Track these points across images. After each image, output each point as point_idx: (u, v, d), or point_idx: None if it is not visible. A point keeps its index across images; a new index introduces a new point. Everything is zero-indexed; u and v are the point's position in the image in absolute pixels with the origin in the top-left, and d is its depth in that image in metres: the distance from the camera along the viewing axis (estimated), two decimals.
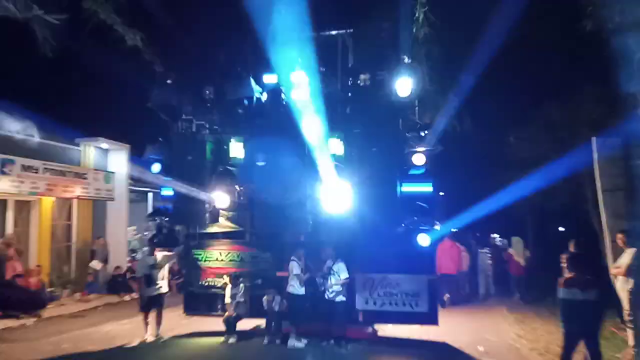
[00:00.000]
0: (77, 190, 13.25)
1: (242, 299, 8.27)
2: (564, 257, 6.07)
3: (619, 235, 7.11)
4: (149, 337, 8.24)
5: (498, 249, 14.99)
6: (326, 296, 7.72)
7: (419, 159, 7.73)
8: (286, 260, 8.02)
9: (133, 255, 16.52)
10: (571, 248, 6.57)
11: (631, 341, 6.87)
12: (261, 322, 8.50)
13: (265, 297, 8.05)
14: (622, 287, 6.86)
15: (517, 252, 13.58)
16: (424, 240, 7.63)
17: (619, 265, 6.99)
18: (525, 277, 13.17)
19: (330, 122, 8.40)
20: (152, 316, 8.33)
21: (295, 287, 7.75)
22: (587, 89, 12.30)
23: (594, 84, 11.91)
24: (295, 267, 7.80)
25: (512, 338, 8.53)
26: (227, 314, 8.22)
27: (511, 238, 14.53)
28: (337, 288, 7.66)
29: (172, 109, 8.71)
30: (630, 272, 6.73)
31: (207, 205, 8.54)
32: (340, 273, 7.66)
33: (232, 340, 8.08)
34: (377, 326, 8.86)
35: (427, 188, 8.03)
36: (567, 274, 5.78)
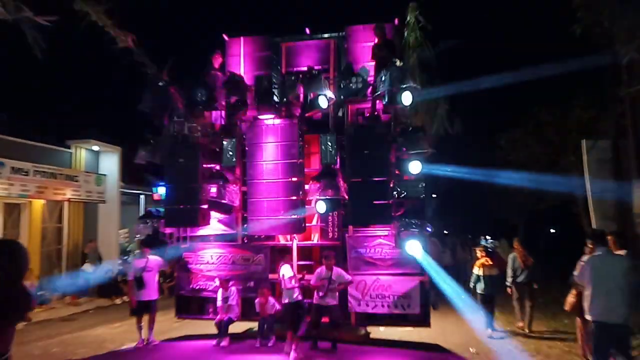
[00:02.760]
0: (68, 193, 13.17)
1: (233, 302, 8.25)
2: (482, 249, 9.88)
3: (610, 237, 7.15)
4: (142, 341, 8.20)
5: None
6: (320, 303, 7.66)
7: (410, 162, 7.75)
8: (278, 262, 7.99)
9: (125, 258, 16.44)
10: (515, 243, 9.92)
11: None
12: (253, 325, 8.49)
13: (257, 300, 8.03)
14: None
15: (503, 252, 13.84)
16: (414, 247, 7.55)
17: None
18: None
19: (322, 124, 8.44)
20: (144, 320, 8.28)
21: (290, 294, 7.64)
22: (577, 92, 12.46)
23: (583, 86, 12.07)
24: (287, 272, 7.70)
25: (504, 339, 8.58)
26: (219, 317, 8.19)
27: (500, 239, 14.86)
28: (333, 294, 7.64)
29: (164, 111, 8.68)
30: None
31: (199, 208, 8.49)
32: (339, 279, 7.63)
33: (224, 343, 8.05)
34: (369, 328, 8.88)
35: (418, 190, 8.04)
36: (484, 261, 9.35)
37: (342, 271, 7.76)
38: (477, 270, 9.40)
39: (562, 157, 13.61)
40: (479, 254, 9.75)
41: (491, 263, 9.39)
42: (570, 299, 7.01)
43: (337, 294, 7.68)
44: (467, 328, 9.53)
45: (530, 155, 14.62)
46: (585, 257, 6.15)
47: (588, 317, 5.59)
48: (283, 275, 7.58)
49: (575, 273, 6.10)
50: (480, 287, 9.25)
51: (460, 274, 14.22)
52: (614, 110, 10.20)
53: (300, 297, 7.57)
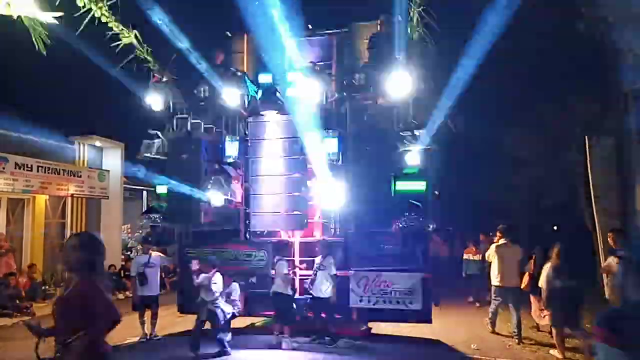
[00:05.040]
0: (71, 189, 13.22)
1: (236, 298, 8.27)
2: (472, 242, 12.39)
3: (610, 234, 7.18)
4: (145, 336, 8.25)
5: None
6: (314, 293, 7.74)
7: (412, 158, 7.77)
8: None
9: (127, 253, 16.51)
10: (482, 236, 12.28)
11: None
12: (256, 320, 8.53)
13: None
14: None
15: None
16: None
17: (608, 264, 7.06)
18: None
19: (325, 121, 8.45)
20: (147, 315, 8.33)
21: (281, 287, 7.72)
22: (581, 88, 12.40)
23: (587, 83, 12.01)
24: (284, 267, 7.76)
25: (505, 335, 8.59)
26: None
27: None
28: (326, 284, 7.69)
29: (167, 108, 8.71)
30: None
31: (201, 204, 8.53)
32: (329, 269, 7.69)
33: (226, 338, 8.07)
34: (371, 324, 8.90)
35: (420, 187, 8.06)
36: (470, 249, 11.96)
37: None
38: (465, 256, 12.06)
39: (565, 153, 13.57)
40: (471, 245, 12.29)
41: (474, 250, 11.90)
42: (526, 279, 8.42)
43: (331, 287, 7.72)
44: (468, 324, 9.55)
45: (533, 151, 14.59)
46: (494, 245, 8.57)
47: (494, 283, 8.37)
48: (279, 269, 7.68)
49: (487, 253, 8.72)
50: (467, 269, 11.85)
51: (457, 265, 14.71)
52: (617, 107, 10.16)
53: (290, 292, 7.70)
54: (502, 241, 8.43)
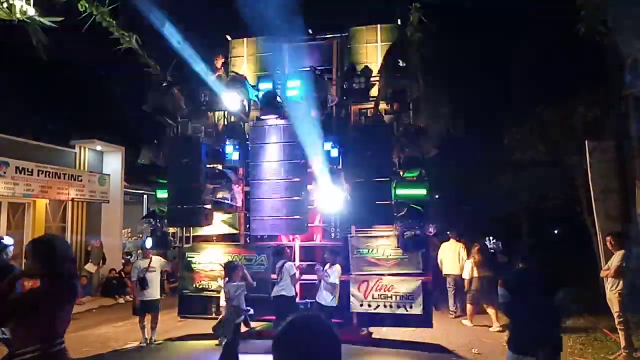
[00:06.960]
0: (71, 193, 13.22)
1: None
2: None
3: (608, 238, 7.20)
4: (145, 340, 8.23)
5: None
6: (318, 300, 7.72)
7: (413, 163, 7.79)
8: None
9: (128, 257, 16.49)
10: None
11: (623, 343, 6.93)
12: (256, 325, 8.49)
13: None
14: (612, 289, 6.93)
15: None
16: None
17: (607, 267, 7.06)
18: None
19: (325, 125, 8.45)
20: (147, 319, 8.31)
21: (285, 289, 7.68)
22: (581, 92, 12.39)
23: (587, 86, 12.02)
24: (292, 269, 7.75)
25: (506, 340, 8.55)
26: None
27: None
28: (331, 293, 7.67)
29: (168, 112, 8.72)
30: (619, 274, 6.80)
31: (202, 208, 8.52)
32: (334, 278, 7.66)
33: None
34: (372, 329, 8.88)
35: (421, 191, 8.04)
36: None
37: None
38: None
39: (565, 156, 13.55)
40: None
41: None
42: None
43: (336, 296, 7.71)
44: (469, 329, 9.53)
45: (533, 154, 14.55)
46: (443, 244, 10.95)
47: (444, 272, 10.60)
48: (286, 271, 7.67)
49: (439, 252, 10.84)
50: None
51: None
52: (617, 110, 10.15)
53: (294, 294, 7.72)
54: (451, 241, 10.88)
